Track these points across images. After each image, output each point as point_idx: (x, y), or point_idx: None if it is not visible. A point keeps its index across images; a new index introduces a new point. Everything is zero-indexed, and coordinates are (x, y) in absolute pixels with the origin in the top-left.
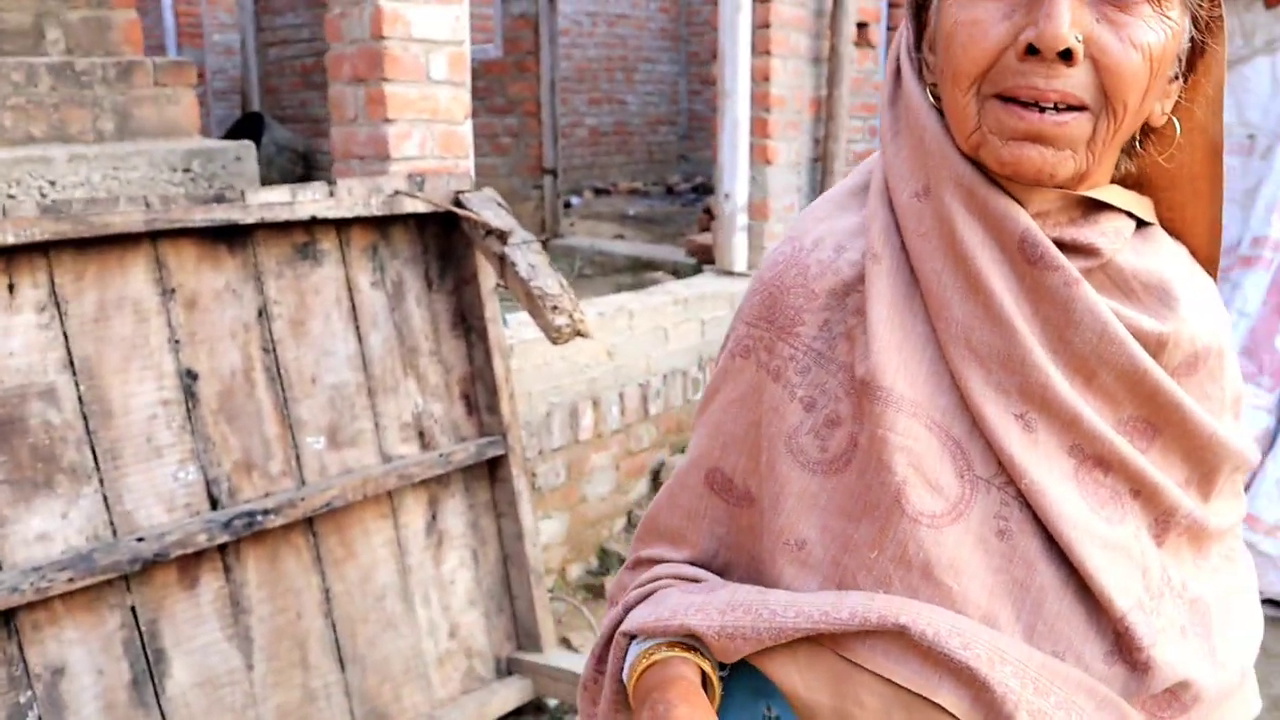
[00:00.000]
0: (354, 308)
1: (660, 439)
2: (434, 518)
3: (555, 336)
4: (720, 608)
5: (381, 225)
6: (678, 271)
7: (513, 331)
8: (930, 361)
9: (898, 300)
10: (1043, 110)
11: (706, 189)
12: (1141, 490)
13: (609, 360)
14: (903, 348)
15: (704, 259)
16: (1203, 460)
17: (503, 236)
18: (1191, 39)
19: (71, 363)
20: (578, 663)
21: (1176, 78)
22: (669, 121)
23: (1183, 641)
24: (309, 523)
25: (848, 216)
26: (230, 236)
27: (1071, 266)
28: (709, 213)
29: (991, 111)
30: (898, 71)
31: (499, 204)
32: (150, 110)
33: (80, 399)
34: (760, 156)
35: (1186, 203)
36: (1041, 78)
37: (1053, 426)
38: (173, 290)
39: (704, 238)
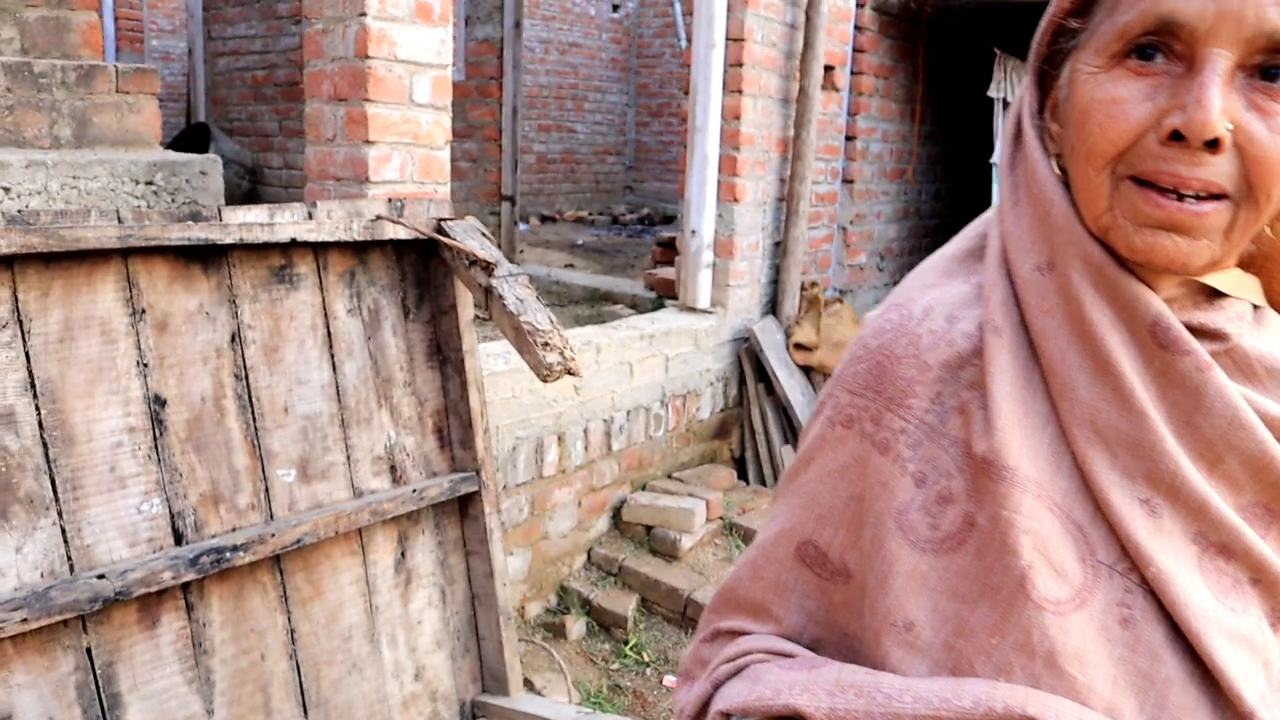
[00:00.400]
0: (329, 335)
1: (622, 475)
2: (403, 555)
3: (546, 375)
4: (828, 688)
5: (360, 250)
6: (637, 305)
7: (482, 364)
8: (1050, 441)
9: (1019, 376)
10: (1181, 197)
11: (652, 221)
12: (1262, 579)
13: (575, 395)
14: (1024, 425)
15: (665, 293)
16: None
17: (488, 268)
18: None
19: (33, 385)
20: (544, 707)
21: None
22: (616, 151)
23: None
24: (276, 560)
25: (955, 285)
26: (205, 257)
27: (1204, 351)
28: (662, 246)
29: (1125, 194)
30: (1017, 136)
31: (483, 233)
32: (111, 118)
33: (40, 424)
34: (728, 194)
35: None
36: (1184, 165)
37: (1179, 513)
38: (143, 311)
39: (666, 272)
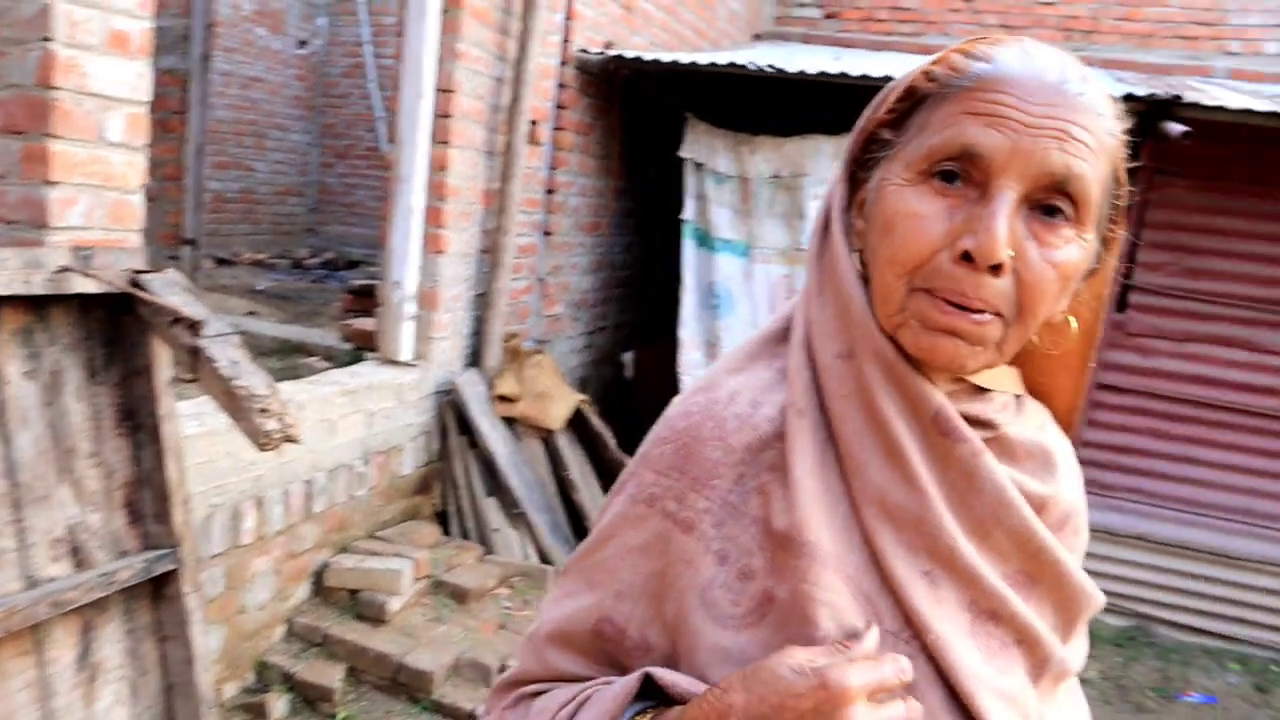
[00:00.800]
0: (1, 403)
1: (323, 538)
2: (87, 649)
3: (264, 443)
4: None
5: (38, 305)
6: (332, 357)
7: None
8: (843, 518)
9: (817, 456)
10: (964, 310)
11: (337, 265)
12: (1024, 640)
13: (275, 456)
14: (822, 503)
15: (363, 345)
16: (1068, 608)
17: (194, 326)
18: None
19: None
20: None
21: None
22: (298, 193)
23: None
24: None
25: (760, 370)
26: None
27: (977, 439)
28: (354, 294)
29: (917, 301)
30: (826, 229)
31: (186, 288)
32: None
33: None
34: (433, 245)
35: (1056, 373)
36: (970, 285)
37: (955, 583)
38: None
39: (363, 323)
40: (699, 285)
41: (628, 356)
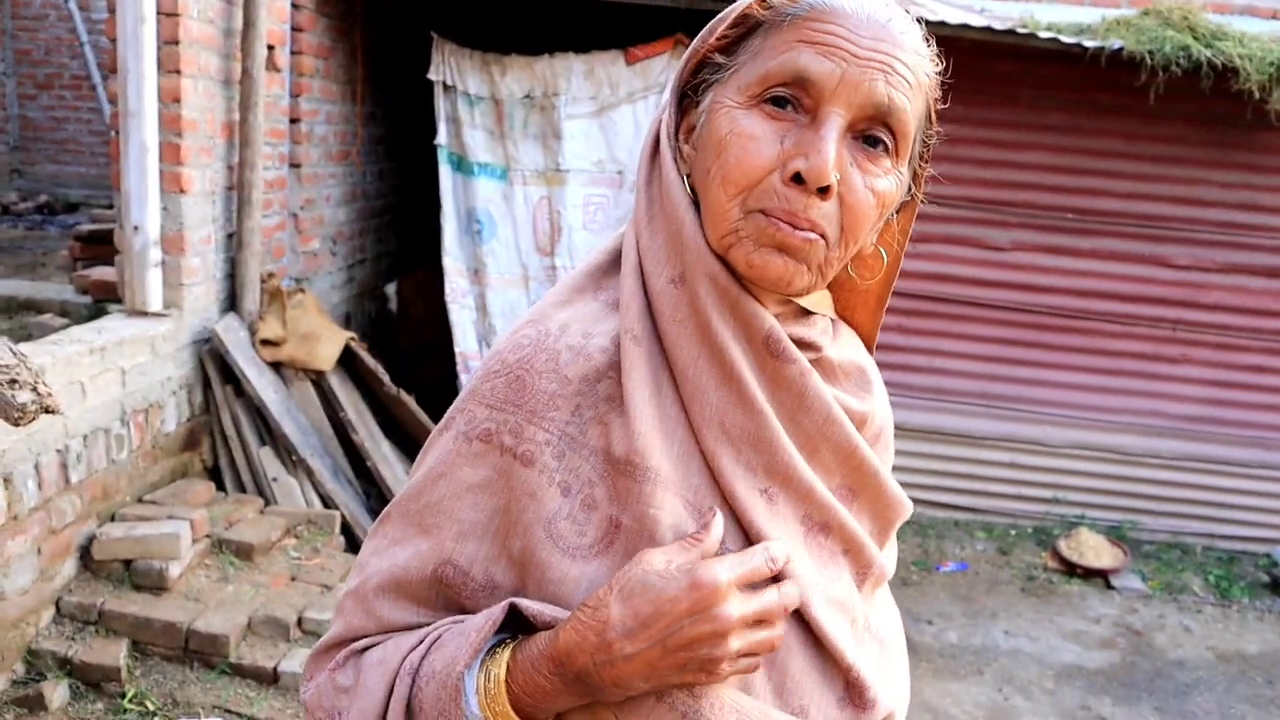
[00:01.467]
0: None
1: (86, 509)
2: None
3: (19, 417)
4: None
5: None
6: (68, 312)
7: None
8: (681, 442)
9: (653, 382)
10: (794, 227)
11: (54, 209)
12: (850, 549)
13: (18, 429)
14: (661, 428)
15: (103, 296)
16: (884, 517)
17: None
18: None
19: None
20: None
21: (890, 218)
22: None
23: (882, 679)
24: None
25: (587, 301)
26: None
27: (804, 360)
28: (82, 240)
29: (753, 220)
30: (654, 154)
31: None
32: None
33: None
34: (172, 185)
35: (855, 308)
36: (800, 205)
37: (790, 499)
38: None
39: (102, 273)
40: (458, 211)
41: (390, 288)
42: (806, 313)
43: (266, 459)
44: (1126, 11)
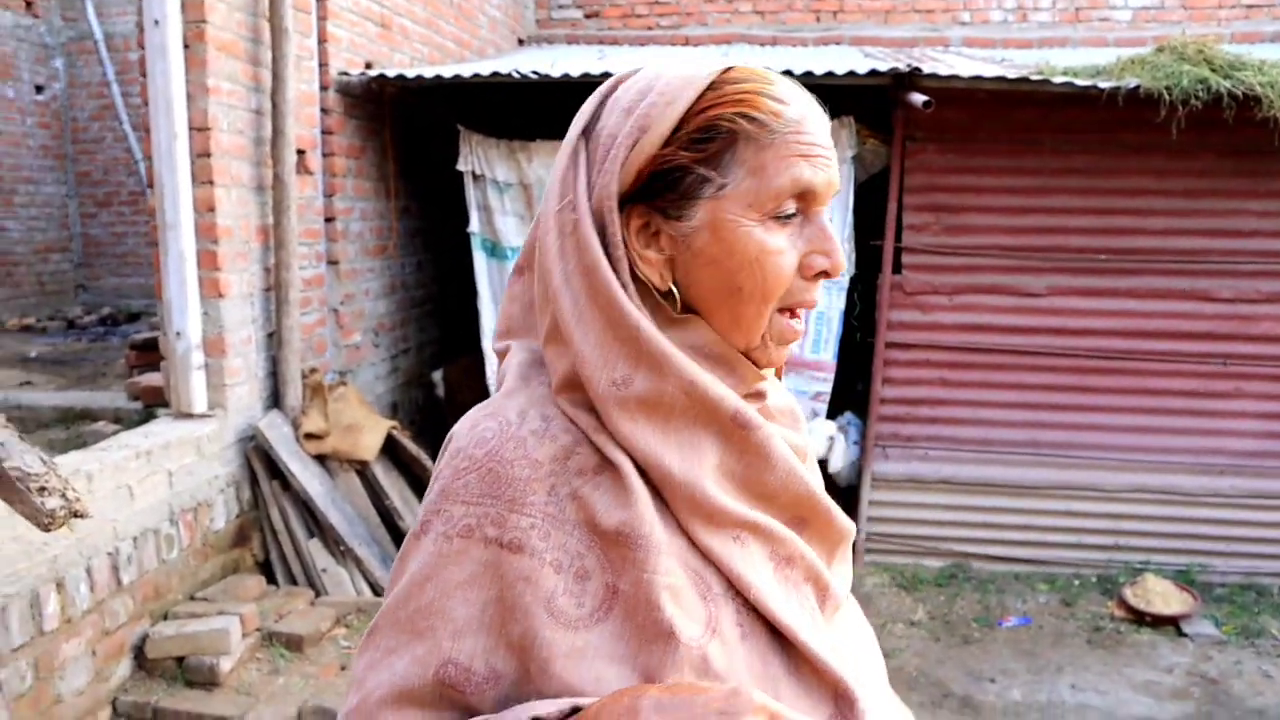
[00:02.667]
0: None
1: (139, 609)
2: None
3: (49, 523)
4: None
5: None
6: (122, 419)
7: None
8: (659, 510)
9: (630, 463)
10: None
11: (116, 321)
12: (810, 577)
13: (70, 533)
14: (646, 500)
15: (153, 402)
16: (832, 541)
17: None
18: None
19: None
20: None
21: None
22: (60, 248)
23: (863, 688)
24: None
25: (534, 387)
26: None
27: (768, 425)
28: (137, 349)
29: (777, 323)
30: (564, 251)
31: None
32: None
33: None
34: (211, 290)
35: None
36: (811, 294)
37: (757, 539)
38: None
39: (150, 379)
40: (495, 295)
41: (437, 375)
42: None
43: (315, 550)
44: (1142, 50)
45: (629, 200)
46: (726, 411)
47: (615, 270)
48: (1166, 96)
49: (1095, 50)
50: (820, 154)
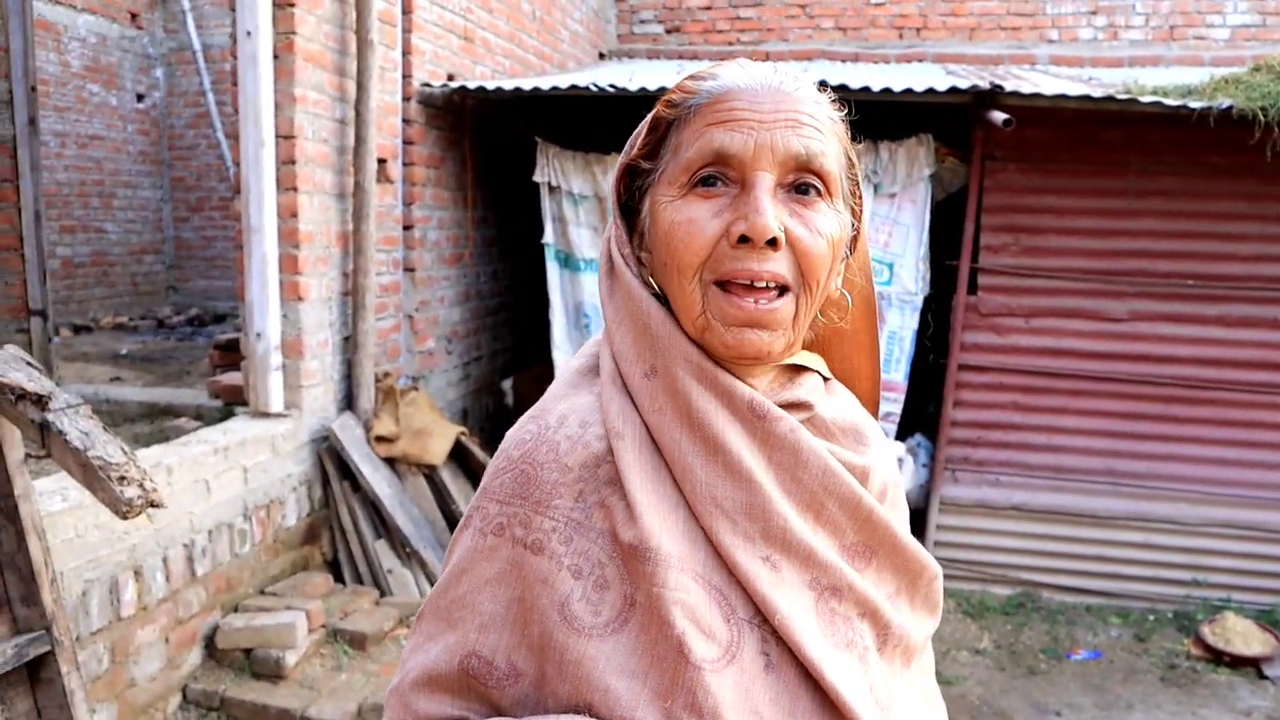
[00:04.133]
0: None
1: (211, 600)
2: None
3: (127, 511)
4: None
5: None
6: (203, 416)
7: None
8: (684, 521)
9: (647, 469)
10: (756, 292)
11: (203, 321)
12: (866, 612)
13: (149, 523)
14: (660, 511)
15: (233, 400)
16: (908, 571)
17: (41, 401)
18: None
19: None
20: None
21: (845, 257)
22: (154, 250)
23: None
24: None
25: (583, 395)
26: None
27: (791, 417)
28: (221, 349)
29: (714, 300)
30: (611, 267)
31: (29, 362)
32: None
33: None
34: (291, 293)
35: (852, 354)
36: (755, 262)
37: (793, 564)
38: None
39: (231, 378)
40: (567, 306)
41: (507, 384)
42: (796, 375)
43: (382, 551)
44: (1238, 70)
45: (627, 211)
46: (742, 399)
47: (635, 274)
48: (1262, 118)
49: (1189, 69)
50: (744, 118)
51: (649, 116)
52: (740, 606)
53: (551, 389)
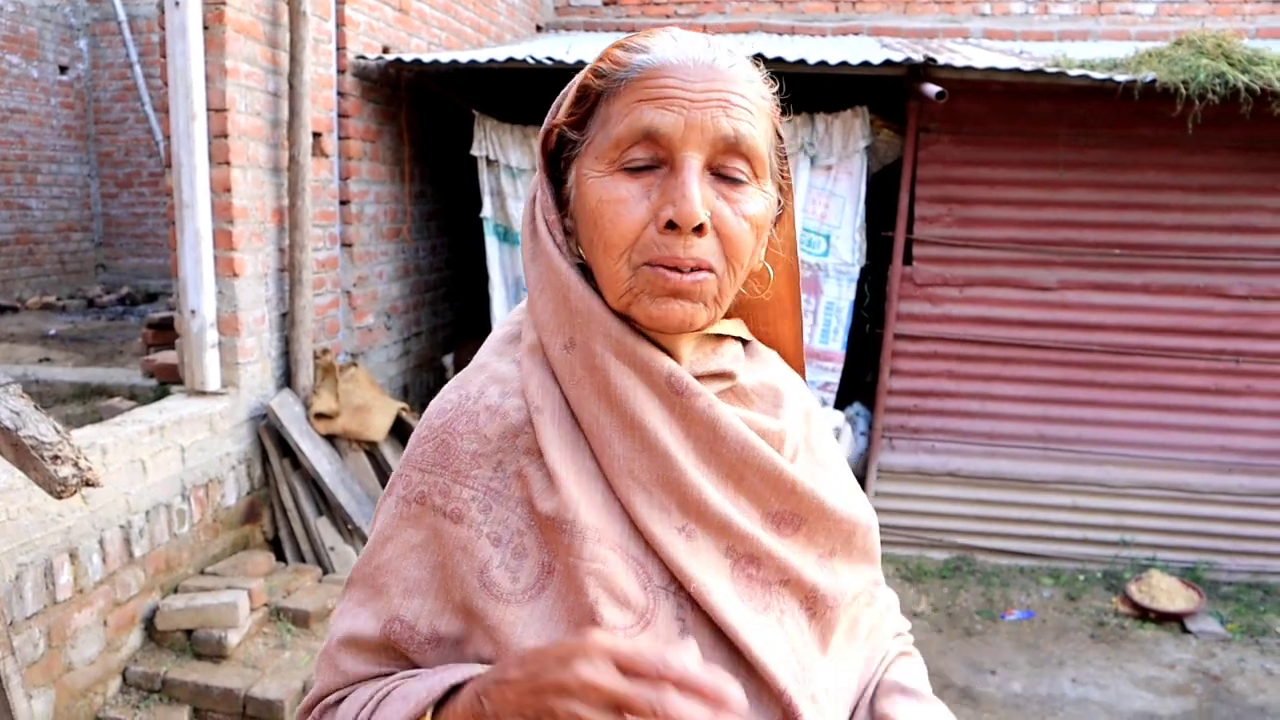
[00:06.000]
0: None
1: (150, 581)
2: None
3: (61, 490)
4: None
5: None
6: (137, 395)
7: None
8: (602, 493)
9: (566, 442)
10: (681, 272)
11: (135, 300)
12: (787, 579)
13: (84, 505)
14: (579, 484)
15: (167, 379)
16: (840, 533)
17: None
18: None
19: None
20: None
21: (770, 233)
22: (82, 228)
23: (814, 706)
24: None
25: (505, 363)
26: None
27: (708, 392)
28: (154, 328)
29: (643, 275)
30: (534, 231)
31: None
32: None
33: None
34: (226, 269)
35: (776, 320)
36: (680, 248)
37: (709, 533)
38: None
39: (165, 356)
40: (506, 280)
41: (448, 359)
42: (716, 344)
43: (324, 529)
44: (1161, 45)
45: (551, 180)
46: (661, 374)
47: (556, 244)
48: (1183, 91)
49: (1116, 44)
50: (675, 96)
51: (576, 82)
52: (656, 575)
53: (478, 355)
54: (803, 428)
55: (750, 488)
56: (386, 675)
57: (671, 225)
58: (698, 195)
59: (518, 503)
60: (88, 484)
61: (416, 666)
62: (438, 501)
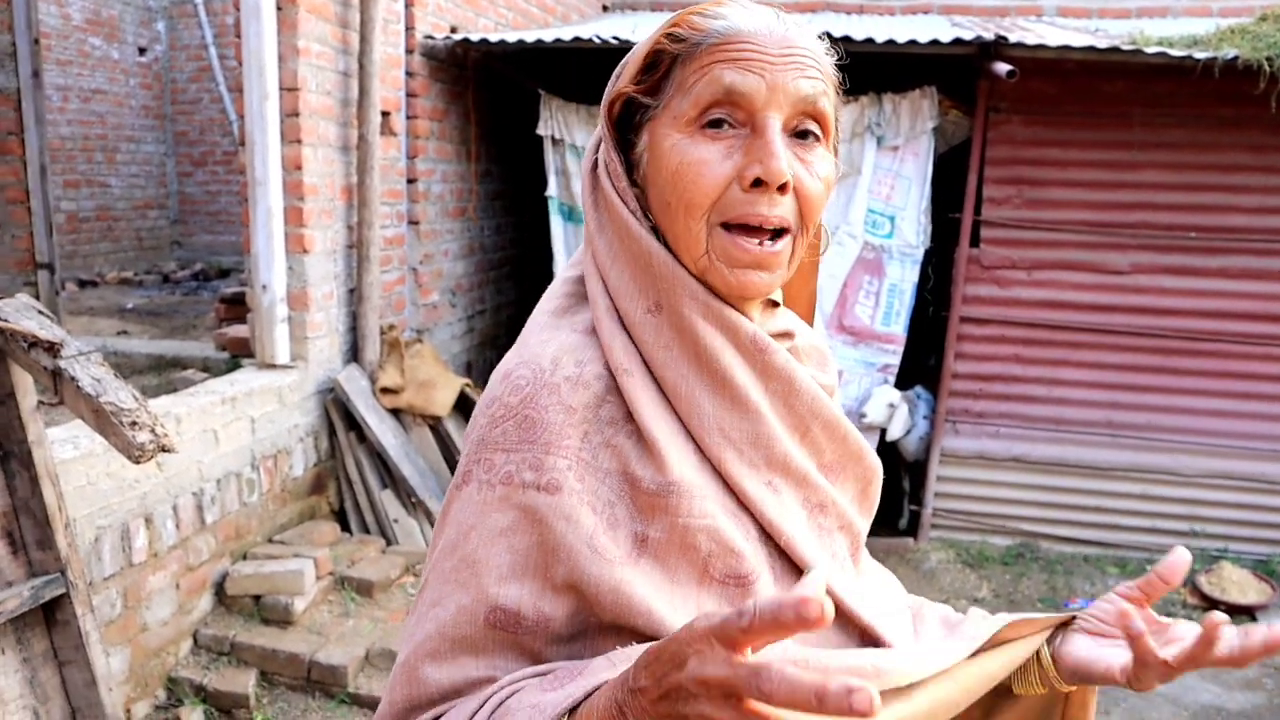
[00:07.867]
0: None
1: (220, 548)
2: None
3: (139, 455)
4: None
5: None
6: (210, 368)
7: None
8: (693, 454)
9: (655, 404)
10: (759, 234)
11: (208, 276)
12: (843, 525)
13: (159, 472)
14: (674, 444)
15: (239, 352)
16: (863, 479)
17: (53, 349)
18: None
19: None
20: None
21: None
22: (159, 205)
23: (893, 633)
24: None
25: (567, 334)
26: None
27: (784, 349)
28: (226, 302)
29: (718, 241)
30: (600, 199)
31: (40, 311)
32: None
33: None
34: (296, 245)
35: (793, 283)
36: (765, 206)
37: (790, 485)
38: None
39: (237, 330)
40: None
41: None
42: (773, 304)
43: (388, 501)
44: (1245, 20)
45: (619, 147)
46: (746, 333)
47: (632, 210)
48: (1267, 68)
49: (1196, 20)
50: (755, 58)
51: (643, 49)
52: (752, 530)
53: (528, 334)
54: (835, 390)
55: (813, 439)
56: (480, 682)
57: (758, 183)
58: (784, 154)
59: (606, 474)
60: (163, 450)
61: (529, 651)
62: (528, 477)
